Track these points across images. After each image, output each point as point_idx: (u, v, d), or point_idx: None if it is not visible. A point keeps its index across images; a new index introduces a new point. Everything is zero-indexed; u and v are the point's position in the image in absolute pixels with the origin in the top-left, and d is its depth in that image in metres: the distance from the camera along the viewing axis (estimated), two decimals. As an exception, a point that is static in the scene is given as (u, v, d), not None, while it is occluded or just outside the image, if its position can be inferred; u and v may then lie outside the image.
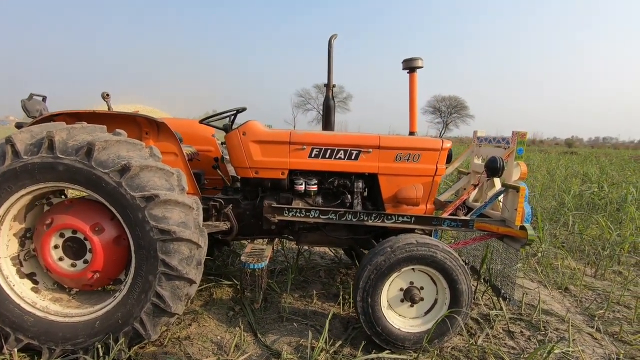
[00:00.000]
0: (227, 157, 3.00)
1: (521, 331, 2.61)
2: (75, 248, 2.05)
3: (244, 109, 2.87)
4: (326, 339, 2.17)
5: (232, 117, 2.79)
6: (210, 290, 2.95)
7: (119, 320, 1.98)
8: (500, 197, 2.64)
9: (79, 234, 2.03)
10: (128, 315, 1.97)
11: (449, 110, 56.08)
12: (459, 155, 3.24)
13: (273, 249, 2.91)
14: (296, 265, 3.30)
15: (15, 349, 1.99)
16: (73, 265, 2.06)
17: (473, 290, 2.31)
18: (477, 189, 2.74)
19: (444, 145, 2.61)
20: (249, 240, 3.00)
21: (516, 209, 2.43)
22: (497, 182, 2.74)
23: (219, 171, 2.93)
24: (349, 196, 2.64)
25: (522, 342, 2.48)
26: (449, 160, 2.78)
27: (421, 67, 2.93)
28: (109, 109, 2.84)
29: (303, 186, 2.56)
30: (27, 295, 2.05)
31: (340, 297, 2.78)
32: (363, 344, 2.20)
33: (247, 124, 2.57)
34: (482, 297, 2.99)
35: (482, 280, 3.08)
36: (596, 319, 2.82)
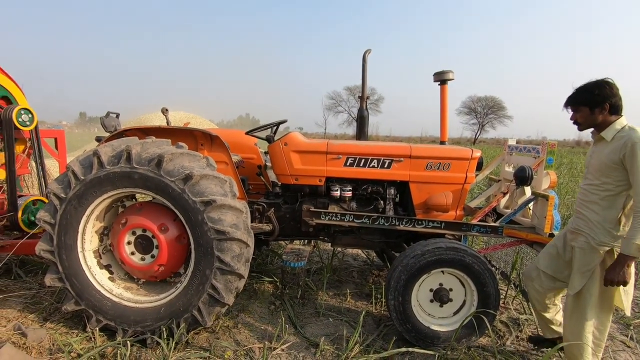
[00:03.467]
0: (269, 164, 3.28)
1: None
2: (144, 244, 2.39)
3: (284, 121, 3.13)
4: (360, 333, 2.37)
5: (275, 128, 3.07)
6: (253, 285, 3.24)
7: (181, 307, 2.29)
8: (531, 205, 2.72)
9: (148, 232, 2.36)
10: (188, 303, 2.28)
11: (485, 111, 54.13)
12: (490, 162, 3.33)
13: (311, 250, 3.15)
14: (331, 265, 3.52)
15: (97, 328, 2.36)
16: (142, 259, 2.41)
17: (502, 294, 2.42)
18: (506, 196, 2.84)
19: (473, 155, 2.73)
20: (287, 242, 3.27)
21: (545, 217, 2.51)
22: (527, 190, 2.82)
23: (262, 177, 3.22)
24: (381, 202, 2.82)
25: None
26: (479, 167, 2.90)
27: (452, 80, 3.07)
28: (167, 122, 3.22)
29: (339, 192, 2.78)
30: (105, 284, 2.42)
31: (373, 296, 2.97)
32: (394, 339, 2.38)
33: (289, 135, 2.83)
34: (512, 301, 3.06)
35: (512, 285, 3.15)
36: (631, 327, 2.82)
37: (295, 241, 3.14)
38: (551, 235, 2.50)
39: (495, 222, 2.76)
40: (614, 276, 1.80)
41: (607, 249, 1.88)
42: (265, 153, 3.34)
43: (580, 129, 1.96)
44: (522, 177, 2.49)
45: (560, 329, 2.32)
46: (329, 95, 57.32)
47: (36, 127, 3.31)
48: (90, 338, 2.35)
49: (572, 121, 1.98)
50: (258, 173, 3.23)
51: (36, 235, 3.00)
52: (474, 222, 2.68)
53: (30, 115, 3.21)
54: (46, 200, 3.27)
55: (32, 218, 3.26)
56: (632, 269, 1.82)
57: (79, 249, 2.34)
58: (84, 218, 2.31)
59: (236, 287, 2.33)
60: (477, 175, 2.97)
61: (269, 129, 3.06)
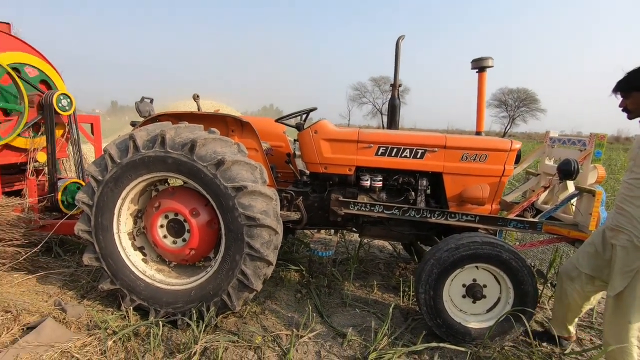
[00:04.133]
0: (298, 152, 3.26)
1: (591, 339, 2.53)
2: (176, 228, 2.43)
3: (314, 109, 3.09)
4: (388, 325, 2.33)
5: (304, 116, 3.03)
6: (280, 273, 3.25)
7: (210, 291, 2.32)
8: (574, 201, 2.56)
9: (179, 216, 2.40)
10: (218, 287, 2.31)
11: (516, 103, 51.88)
12: (529, 154, 3.16)
13: (338, 240, 3.12)
14: (357, 256, 3.48)
15: (131, 307, 2.43)
16: (174, 243, 2.45)
17: (539, 293, 2.31)
18: (547, 191, 2.69)
19: (512, 146, 2.59)
20: (314, 231, 3.25)
21: (590, 214, 2.36)
22: (570, 184, 2.66)
23: (290, 165, 3.20)
24: (412, 193, 2.74)
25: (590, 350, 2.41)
26: (517, 160, 2.76)
27: (491, 67, 2.91)
28: (198, 108, 3.25)
29: (369, 182, 2.72)
30: (139, 265, 2.49)
31: (401, 289, 2.91)
32: (424, 333, 2.32)
33: (319, 123, 2.79)
34: (548, 301, 2.92)
35: (549, 285, 3.00)
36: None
37: (321, 230, 3.12)
38: (596, 233, 2.34)
39: (534, 217, 2.62)
40: None
41: None
42: (294, 141, 3.32)
43: (630, 117, 1.81)
44: (567, 171, 2.34)
45: (573, 330, 2.33)
46: (354, 86, 56.72)
47: (74, 112, 3.42)
48: (125, 316, 2.43)
49: (621, 108, 1.82)
50: (287, 161, 3.21)
51: (74, 216, 3.12)
52: (511, 216, 2.56)
53: (69, 101, 3.31)
54: (83, 183, 3.40)
55: (70, 200, 3.39)
56: None
57: (115, 231, 2.41)
58: (120, 200, 2.37)
59: (264, 274, 2.34)
60: (515, 167, 2.83)
61: (299, 117, 3.02)
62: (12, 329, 2.21)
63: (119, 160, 2.29)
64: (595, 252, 2.03)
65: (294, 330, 2.39)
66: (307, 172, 3.04)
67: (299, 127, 2.91)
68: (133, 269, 2.45)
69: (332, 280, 3.15)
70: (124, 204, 2.41)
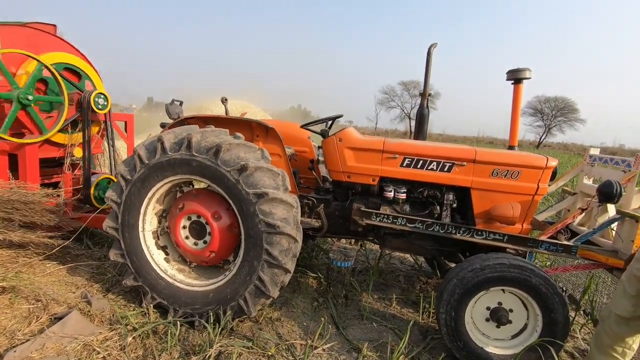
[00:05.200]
0: (321, 159, 3.23)
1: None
2: (198, 230, 2.46)
3: (340, 116, 3.05)
4: (406, 343, 2.25)
5: (330, 123, 3.00)
6: (297, 279, 3.24)
7: (228, 295, 2.34)
8: (614, 225, 2.39)
9: (202, 218, 2.44)
10: (235, 292, 2.32)
11: (553, 112, 49.56)
12: (566, 172, 2.98)
13: (358, 249, 3.07)
14: (377, 267, 3.41)
15: (151, 305, 2.49)
16: (195, 244, 2.49)
17: (570, 321, 2.16)
18: (584, 213, 2.52)
19: (548, 164, 2.45)
20: (334, 239, 3.21)
21: (632, 241, 2.18)
22: (611, 208, 2.48)
23: (313, 172, 3.18)
24: (437, 207, 2.65)
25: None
26: (552, 177, 2.60)
27: (528, 79, 2.77)
28: (226, 112, 3.29)
29: (392, 193, 2.65)
30: (161, 264, 2.55)
31: (421, 305, 2.82)
32: (443, 355, 2.23)
33: (344, 131, 2.75)
34: (580, 330, 2.74)
35: (581, 312, 2.81)
36: None
37: (342, 239, 3.07)
38: (638, 262, 2.17)
39: (568, 240, 2.46)
40: None
41: None
42: (319, 147, 3.30)
43: None
44: (609, 193, 2.18)
45: None
46: (382, 90, 56.16)
47: (109, 111, 3.56)
48: (145, 313, 2.49)
49: None
50: (310, 167, 3.20)
51: (105, 210, 3.24)
52: (544, 238, 2.42)
53: (105, 100, 3.46)
54: (115, 179, 3.53)
55: (102, 194, 3.54)
56: None
57: (140, 229, 2.48)
58: (146, 200, 2.44)
59: (282, 281, 2.33)
60: (549, 185, 2.67)
61: (324, 124, 3.00)
62: (41, 318, 2.31)
63: (147, 161, 2.35)
64: (623, 289, 1.85)
65: (309, 340, 2.37)
66: (330, 179, 3.01)
67: (323, 134, 2.89)
68: (155, 267, 2.51)
69: (350, 290, 3.10)
70: (149, 203, 2.48)
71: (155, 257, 2.53)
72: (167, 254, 2.66)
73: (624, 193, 2.22)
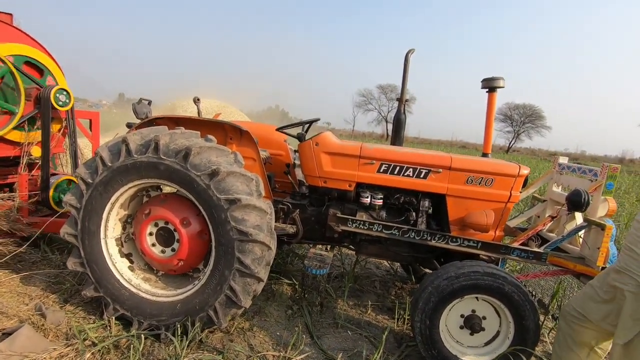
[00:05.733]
0: (298, 162, 3.16)
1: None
2: (165, 237, 2.33)
3: (317, 120, 3.00)
4: (381, 353, 2.22)
5: (307, 126, 2.94)
6: (271, 286, 3.15)
7: (197, 305, 2.22)
8: (581, 233, 2.46)
9: (170, 225, 2.31)
10: (204, 302, 2.21)
11: (522, 119, 51.80)
12: (536, 180, 3.06)
13: (334, 255, 3.02)
14: (353, 273, 3.37)
15: (113, 317, 2.33)
16: (163, 252, 2.35)
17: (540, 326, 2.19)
18: (554, 220, 2.58)
19: (521, 172, 2.49)
20: (310, 245, 3.14)
21: (599, 248, 2.25)
22: (579, 216, 2.55)
23: (289, 176, 3.11)
24: (413, 214, 2.64)
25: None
26: (524, 185, 2.65)
27: (502, 87, 2.82)
28: (198, 113, 3.16)
29: (369, 199, 2.62)
30: (125, 273, 2.39)
31: (396, 312, 2.80)
32: (417, 364, 2.21)
33: (321, 135, 2.69)
34: (548, 334, 2.80)
35: (550, 317, 2.88)
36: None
37: (318, 245, 3.02)
38: (604, 269, 2.23)
39: (539, 247, 2.52)
40: None
41: None
42: (295, 151, 3.23)
43: None
44: (577, 202, 2.24)
45: None
46: (360, 92, 56.79)
47: (72, 108, 3.34)
48: (107, 326, 2.33)
49: None
50: (286, 171, 3.12)
51: (65, 214, 3.03)
52: (515, 245, 2.45)
53: (67, 96, 3.24)
54: (77, 181, 3.31)
55: (62, 197, 3.31)
56: None
57: (102, 236, 2.32)
58: (109, 205, 2.28)
59: (254, 290, 2.24)
60: (521, 192, 2.72)
61: (301, 127, 2.93)
62: (-14, 334, 2.11)
63: (110, 164, 2.20)
64: (595, 292, 1.88)
65: (282, 351, 2.29)
66: (306, 183, 2.94)
67: (300, 137, 2.82)
68: (118, 276, 2.35)
69: (325, 297, 3.04)
70: (113, 208, 2.32)
71: (119, 266, 2.38)
72: (131, 262, 2.51)
73: (591, 202, 2.29)
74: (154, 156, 2.14)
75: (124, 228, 2.50)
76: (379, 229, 2.56)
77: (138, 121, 2.65)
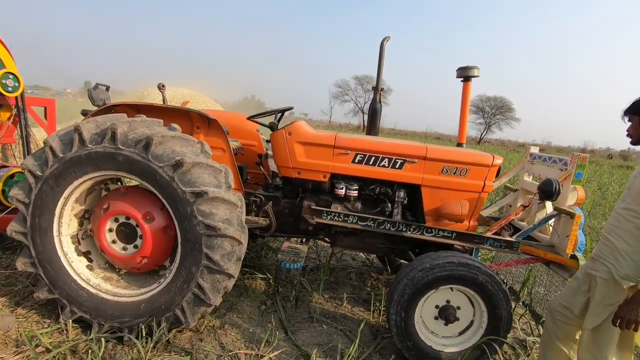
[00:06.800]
0: (271, 153, 3.05)
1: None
2: (127, 233, 2.17)
3: (290, 108, 2.88)
4: (356, 347, 2.18)
5: (279, 115, 2.82)
6: (245, 281, 3.04)
7: (162, 305, 2.09)
8: (551, 221, 2.49)
9: (131, 220, 2.15)
10: (171, 301, 2.08)
11: (493, 111, 53.46)
12: (509, 170, 3.09)
13: (309, 248, 2.94)
14: (329, 265, 3.32)
15: (70, 320, 2.16)
16: (124, 249, 2.19)
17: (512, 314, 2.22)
18: (525, 209, 2.61)
19: (494, 162, 2.49)
20: (285, 237, 3.06)
21: (568, 236, 2.29)
22: (549, 205, 2.58)
23: (262, 168, 2.99)
24: (389, 205, 2.60)
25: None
26: (497, 174, 2.67)
27: (477, 77, 2.80)
28: (164, 100, 2.97)
29: (344, 191, 2.55)
30: (82, 272, 2.22)
31: (371, 304, 2.77)
32: (392, 357, 2.19)
33: (294, 124, 2.59)
34: (519, 320, 2.86)
35: (521, 304, 2.95)
36: (645, 359, 2.63)
37: (292, 238, 2.93)
38: (573, 257, 2.28)
39: (511, 235, 2.54)
40: (625, 313, 1.56)
41: (632, 284, 1.65)
42: (268, 141, 3.11)
43: (632, 142, 1.72)
44: (548, 192, 2.26)
45: None
46: (337, 83, 56.66)
47: (22, 94, 3.06)
48: (63, 330, 2.16)
49: (626, 133, 1.73)
50: (258, 162, 3.00)
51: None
52: (489, 234, 2.46)
53: (15, 80, 2.96)
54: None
55: (13, 192, 3.04)
56: None
57: (55, 233, 2.13)
58: (62, 200, 2.09)
59: (225, 287, 2.13)
60: (494, 182, 2.74)
61: (273, 116, 2.81)
62: None
63: (61, 155, 2.01)
64: (577, 286, 1.91)
65: (255, 349, 2.21)
66: (280, 175, 2.84)
67: (272, 127, 2.70)
68: (75, 277, 2.18)
69: (300, 291, 2.97)
70: (66, 203, 2.14)
71: (75, 265, 2.20)
72: (90, 260, 2.33)
73: (561, 191, 2.32)
74: (110, 146, 1.97)
75: (81, 224, 2.31)
76: (354, 221, 2.50)
77: (95, 108, 2.44)
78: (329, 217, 2.53)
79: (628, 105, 1.70)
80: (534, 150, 2.95)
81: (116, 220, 2.17)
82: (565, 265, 2.32)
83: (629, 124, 1.71)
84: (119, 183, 2.47)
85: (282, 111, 2.81)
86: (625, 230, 1.69)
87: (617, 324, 1.59)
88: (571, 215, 2.28)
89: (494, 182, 2.62)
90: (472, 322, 2.24)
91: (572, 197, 2.39)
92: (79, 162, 2.01)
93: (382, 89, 3.21)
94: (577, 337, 1.89)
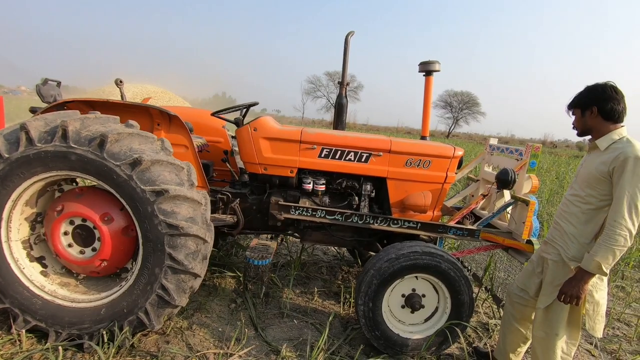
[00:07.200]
0: (237, 149, 3.00)
1: None
2: (84, 236, 2.07)
3: (255, 104, 2.85)
4: (325, 339, 2.20)
5: (244, 111, 2.77)
6: (214, 280, 2.99)
7: (124, 309, 2.02)
8: (509, 209, 2.62)
9: (88, 222, 2.05)
10: (133, 304, 2.01)
11: (460, 105, 55.31)
12: (470, 161, 3.21)
13: (277, 245, 2.93)
14: (299, 261, 3.32)
15: (23, 330, 2.04)
16: (82, 253, 2.09)
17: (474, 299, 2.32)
18: (485, 198, 2.72)
19: (455, 153, 2.58)
20: (254, 234, 3.03)
21: (524, 223, 2.41)
22: (507, 193, 2.71)
23: (228, 164, 2.93)
24: (356, 198, 2.63)
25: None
26: (459, 166, 2.76)
27: (438, 71, 2.88)
28: (122, 96, 2.84)
29: (311, 185, 2.56)
30: (36, 279, 2.10)
31: (342, 296, 2.81)
32: (362, 347, 2.23)
33: (259, 119, 2.56)
34: (482, 305, 3.00)
35: (483, 289, 3.08)
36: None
37: (261, 235, 2.91)
38: (528, 242, 2.41)
39: (472, 224, 2.64)
40: (568, 289, 1.69)
41: (579, 265, 1.77)
42: (234, 137, 3.05)
43: (577, 134, 1.83)
44: (505, 181, 2.36)
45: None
46: (309, 80, 56.56)
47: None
48: (16, 341, 2.03)
49: (572, 126, 1.84)
50: (224, 159, 2.94)
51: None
52: (451, 224, 2.55)
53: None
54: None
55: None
56: (588, 287, 1.70)
57: (3, 239, 2.00)
58: (9, 203, 1.97)
59: (191, 287, 2.08)
60: (457, 173, 2.83)
61: (238, 111, 2.76)
62: None
63: (7, 155, 1.88)
64: (532, 269, 2.02)
65: (224, 347, 2.18)
66: (246, 171, 2.80)
67: (237, 122, 2.66)
68: (27, 284, 2.06)
69: (270, 287, 2.96)
70: (15, 207, 2.01)
71: (27, 272, 2.08)
72: (44, 266, 2.21)
73: (517, 180, 2.44)
74: (62, 145, 1.86)
75: (32, 228, 2.18)
76: (322, 215, 2.51)
77: (45, 105, 2.30)
78: (297, 212, 2.53)
79: (570, 100, 1.81)
80: (493, 142, 3.08)
81: (71, 222, 2.06)
82: (522, 250, 2.45)
83: (573, 117, 1.82)
84: (73, 184, 2.34)
85: (248, 106, 2.77)
86: (572, 215, 1.80)
87: (562, 299, 1.71)
88: (526, 203, 2.41)
89: (456, 173, 2.71)
90: (436, 309, 2.31)
91: (527, 185, 2.51)
92: (27, 162, 1.89)
93: (348, 84, 3.25)
94: (533, 317, 2.01)
